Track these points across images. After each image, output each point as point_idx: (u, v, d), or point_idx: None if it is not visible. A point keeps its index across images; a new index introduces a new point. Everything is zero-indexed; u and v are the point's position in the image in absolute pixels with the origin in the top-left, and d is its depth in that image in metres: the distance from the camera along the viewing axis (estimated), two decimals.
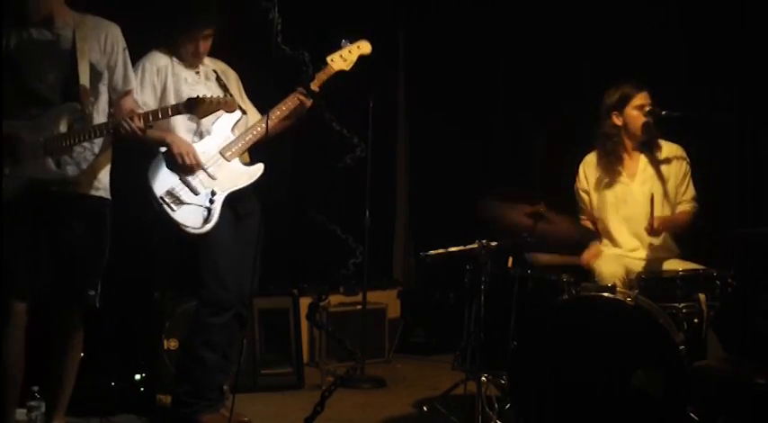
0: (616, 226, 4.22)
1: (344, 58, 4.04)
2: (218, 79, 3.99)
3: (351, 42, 4.08)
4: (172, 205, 3.73)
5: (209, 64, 4.01)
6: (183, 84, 3.86)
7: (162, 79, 3.84)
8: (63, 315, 3.49)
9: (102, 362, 4.18)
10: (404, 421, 4.24)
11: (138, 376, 4.28)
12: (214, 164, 3.82)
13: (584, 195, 4.29)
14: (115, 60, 3.51)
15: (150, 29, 3.93)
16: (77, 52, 3.38)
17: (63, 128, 3.36)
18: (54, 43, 3.38)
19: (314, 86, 3.91)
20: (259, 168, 3.90)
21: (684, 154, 4.26)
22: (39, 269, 3.39)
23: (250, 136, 3.89)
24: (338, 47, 4.06)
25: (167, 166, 3.76)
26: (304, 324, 5.00)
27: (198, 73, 3.94)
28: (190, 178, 3.77)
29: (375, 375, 4.99)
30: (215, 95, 3.68)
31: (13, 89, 3.31)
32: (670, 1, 5.11)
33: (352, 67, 4.07)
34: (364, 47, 4.11)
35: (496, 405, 3.89)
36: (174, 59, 3.89)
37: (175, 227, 3.74)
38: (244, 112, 3.96)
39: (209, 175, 3.80)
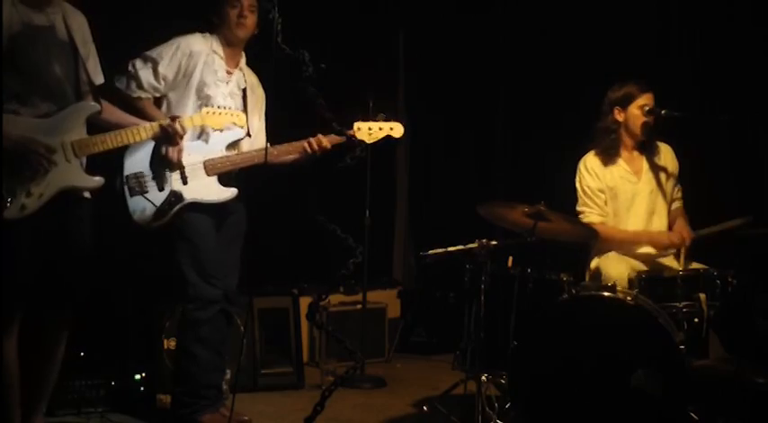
0: (630, 223, 4.21)
1: (371, 131, 4.00)
2: (244, 92, 3.97)
3: (386, 120, 4.04)
4: (133, 189, 3.71)
5: (246, 73, 4.00)
6: (209, 75, 3.84)
7: (192, 63, 3.81)
8: (58, 318, 3.42)
9: (102, 362, 4.18)
10: (404, 421, 4.24)
11: (137, 376, 4.28)
12: (192, 171, 3.78)
13: (600, 194, 4.22)
14: (88, 51, 3.41)
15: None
16: (77, 44, 3.31)
17: (82, 129, 3.31)
18: (51, 30, 3.27)
19: (324, 143, 3.87)
20: (232, 192, 3.84)
21: (673, 153, 4.31)
22: (49, 278, 3.29)
23: (239, 160, 3.84)
24: (372, 117, 4.04)
25: (152, 154, 3.73)
26: (304, 324, 5.00)
27: (230, 74, 3.93)
28: (163, 173, 3.74)
29: (375, 375, 4.99)
30: (228, 106, 3.78)
31: (15, 78, 3.16)
32: (671, 1, 5.13)
33: (374, 143, 4.04)
34: (396, 130, 4.06)
35: (496, 405, 3.88)
36: (214, 46, 3.87)
37: (124, 210, 3.71)
38: (248, 134, 3.93)
39: (182, 178, 3.76)
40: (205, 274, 3.82)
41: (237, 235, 3.99)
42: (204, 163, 3.80)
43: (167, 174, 3.75)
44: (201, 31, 3.90)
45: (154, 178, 3.73)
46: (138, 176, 3.72)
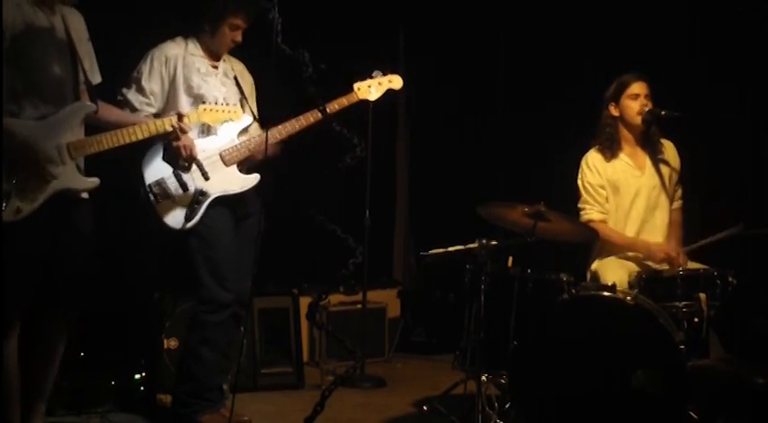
0: (632, 217, 4.20)
1: (372, 88, 4.05)
2: (236, 79, 3.99)
3: (383, 75, 4.09)
4: (158, 196, 3.73)
5: (230, 63, 4.01)
6: (194, 73, 3.86)
7: (170, 68, 3.83)
8: (58, 318, 3.41)
9: (102, 362, 4.19)
10: (404, 421, 4.24)
11: (137, 376, 4.28)
12: (211, 164, 3.80)
13: (601, 190, 4.20)
14: (85, 51, 3.41)
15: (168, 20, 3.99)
16: (76, 44, 3.30)
17: (79, 130, 3.31)
18: (51, 31, 3.26)
19: (331, 109, 3.88)
20: (255, 178, 3.88)
21: (675, 150, 4.30)
22: (48, 279, 3.29)
23: (254, 145, 3.88)
24: (369, 76, 4.06)
25: (164, 156, 3.75)
26: (304, 324, 5.00)
27: (216, 67, 3.94)
28: (182, 173, 3.76)
29: (375, 375, 4.99)
30: (225, 101, 3.78)
31: (17, 78, 3.15)
32: None
33: (378, 99, 4.08)
34: (395, 82, 4.12)
35: (496, 405, 3.88)
36: (190, 48, 3.88)
37: (155, 219, 3.72)
38: (256, 119, 3.96)
39: (203, 175, 3.78)
40: (220, 276, 3.82)
41: (253, 238, 3.95)
42: (221, 154, 3.83)
43: (187, 173, 3.76)
44: (172, 38, 3.90)
45: (176, 181, 3.75)
46: (160, 183, 3.73)
